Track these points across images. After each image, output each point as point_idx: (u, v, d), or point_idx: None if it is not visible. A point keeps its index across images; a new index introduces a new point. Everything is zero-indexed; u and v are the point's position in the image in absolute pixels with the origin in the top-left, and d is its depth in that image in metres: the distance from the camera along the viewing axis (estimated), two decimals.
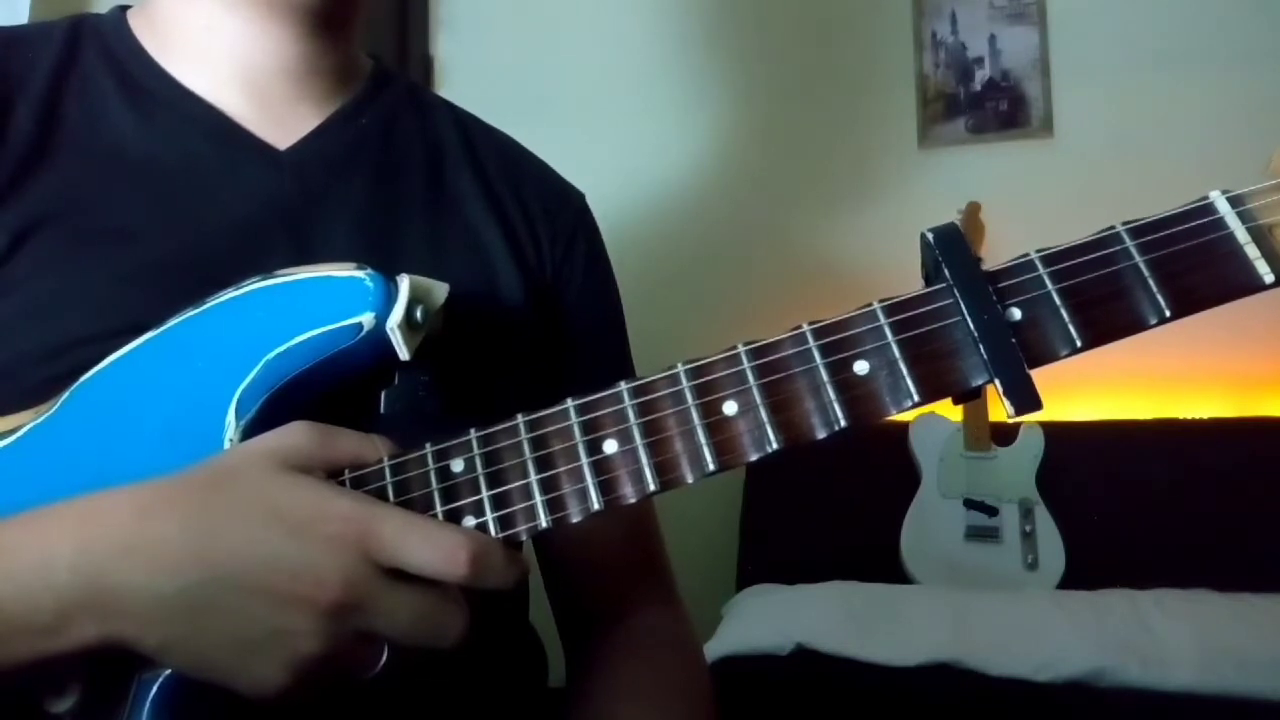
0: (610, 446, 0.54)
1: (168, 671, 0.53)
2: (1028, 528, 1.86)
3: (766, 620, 1.59)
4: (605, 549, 0.88)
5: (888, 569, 1.86)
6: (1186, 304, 0.50)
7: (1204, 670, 1.36)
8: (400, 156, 0.83)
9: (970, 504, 1.90)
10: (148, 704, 0.52)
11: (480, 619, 0.55)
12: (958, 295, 0.51)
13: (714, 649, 1.50)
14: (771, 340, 0.53)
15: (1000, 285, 0.51)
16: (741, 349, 0.54)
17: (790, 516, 2.03)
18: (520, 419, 0.56)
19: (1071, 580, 1.80)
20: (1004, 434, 1.98)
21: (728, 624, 1.65)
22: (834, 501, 2.00)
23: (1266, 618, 1.50)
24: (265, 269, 0.63)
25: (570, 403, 0.55)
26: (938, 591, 1.74)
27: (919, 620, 1.55)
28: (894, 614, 1.58)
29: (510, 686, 0.81)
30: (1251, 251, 0.50)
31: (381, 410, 0.64)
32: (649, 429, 0.53)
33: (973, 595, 1.66)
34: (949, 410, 2.00)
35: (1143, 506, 1.87)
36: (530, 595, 0.86)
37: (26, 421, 0.61)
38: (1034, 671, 1.40)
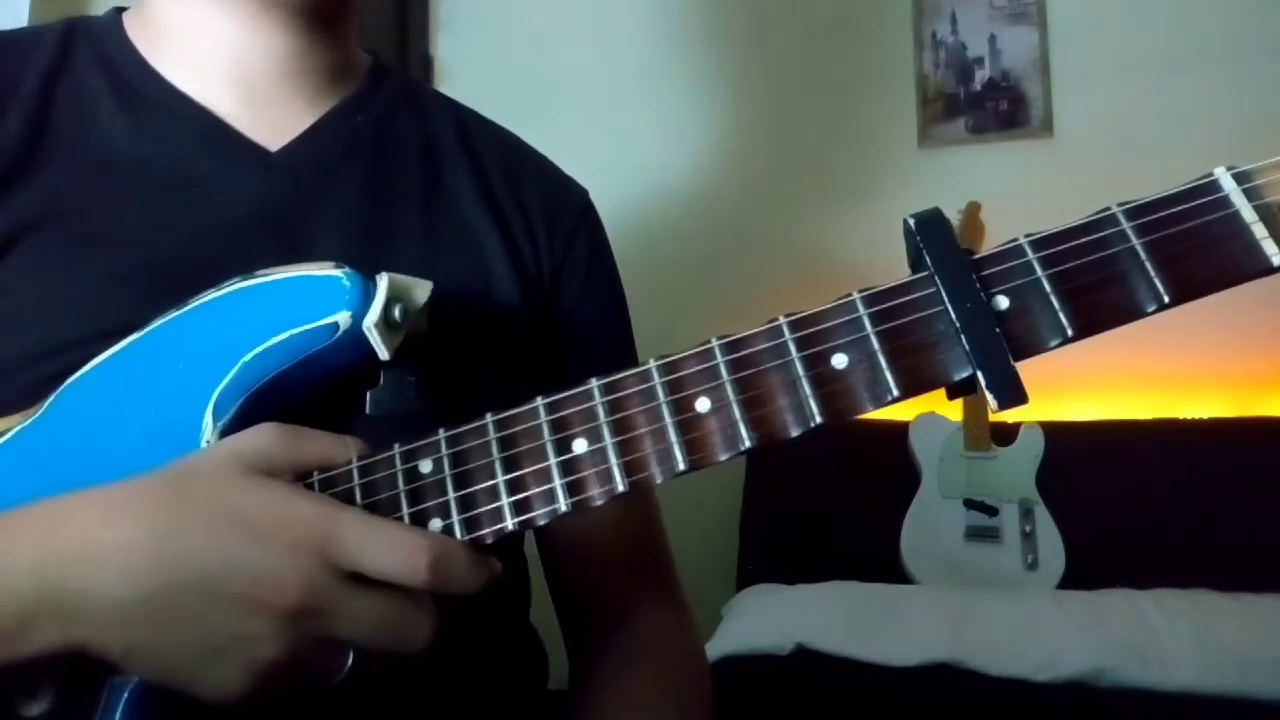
0: (580, 446, 0.52)
1: None
2: (1028, 528, 1.86)
3: (766, 620, 1.59)
4: (608, 549, 0.87)
5: (888, 569, 1.86)
6: (1187, 289, 0.46)
7: (1204, 670, 1.36)
8: (395, 155, 0.82)
9: (970, 504, 1.90)
10: (120, 708, 0.52)
11: (479, 620, 0.54)
12: (939, 284, 0.49)
13: (714, 649, 1.50)
14: (746, 334, 0.51)
15: (985, 273, 0.49)
16: (715, 344, 0.52)
17: (790, 516, 2.03)
18: (489, 418, 0.54)
19: (1071, 580, 1.80)
20: (1004, 434, 1.99)
21: (728, 624, 1.65)
22: (834, 501, 2.01)
23: (1266, 618, 1.50)
24: (255, 271, 0.63)
25: (539, 401, 0.54)
26: (938, 591, 1.74)
27: (919, 620, 1.55)
28: (894, 614, 1.58)
29: (509, 687, 0.81)
30: (1259, 231, 0.46)
31: (367, 410, 0.63)
32: (618, 427, 0.52)
33: (973, 595, 1.66)
34: (949, 410, 2.01)
35: (1143, 506, 1.88)
36: (530, 595, 0.86)
37: (14, 424, 0.61)
38: (1034, 671, 1.40)
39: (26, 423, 0.61)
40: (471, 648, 0.61)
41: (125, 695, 0.52)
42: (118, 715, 0.52)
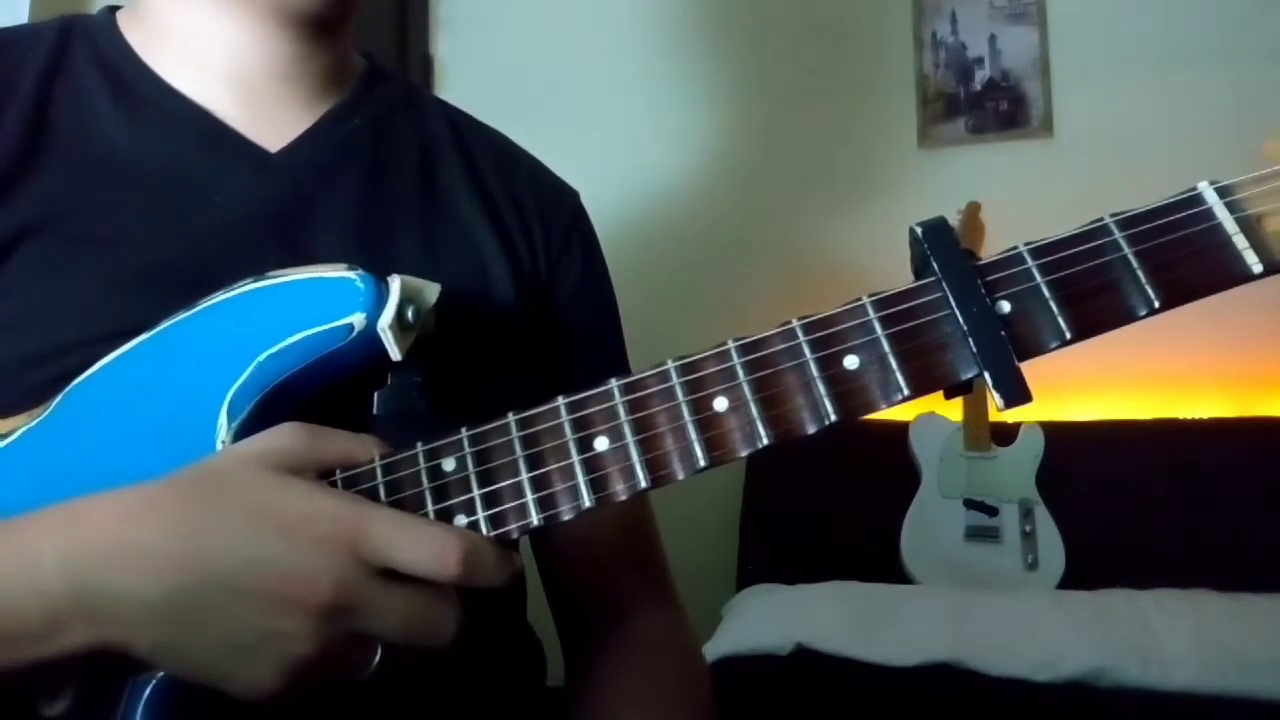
0: (601, 444, 0.54)
1: (161, 673, 0.52)
2: (1028, 528, 1.86)
3: (766, 620, 1.59)
4: (603, 550, 0.87)
5: (888, 569, 1.86)
6: (1175, 295, 0.50)
7: (1204, 670, 1.36)
8: (392, 156, 0.83)
9: (970, 504, 1.91)
10: (141, 706, 0.52)
11: (477, 618, 0.55)
12: (946, 288, 0.51)
13: (714, 649, 1.50)
14: (761, 336, 0.53)
15: (989, 278, 0.52)
16: (731, 345, 0.53)
17: (790, 516, 2.03)
18: (511, 417, 0.55)
19: (1071, 580, 1.80)
20: (1004, 434, 1.98)
21: (728, 624, 1.65)
22: (834, 501, 2.01)
23: (1266, 618, 1.50)
24: (256, 271, 0.63)
25: (561, 400, 0.55)
26: (938, 591, 1.75)
27: (919, 620, 1.55)
28: (894, 614, 1.58)
29: (507, 686, 0.81)
30: (1240, 242, 0.50)
31: (375, 411, 0.64)
32: (640, 425, 0.53)
33: (973, 595, 1.66)
34: (949, 410, 2.01)
35: (1143, 506, 1.88)
36: (528, 595, 0.86)
37: (20, 425, 0.61)
38: (1034, 671, 1.40)
39: (32, 424, 0.61)
40: (469, 646, 0.61)
41: (146, 693, 0.52)
42: (138, 714, 0.52)
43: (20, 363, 0.64)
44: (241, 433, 0.59)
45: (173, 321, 0.62)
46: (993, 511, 1.89)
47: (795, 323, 0.53)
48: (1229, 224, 0.50)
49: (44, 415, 0.61)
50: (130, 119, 0.75)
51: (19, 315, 0.66)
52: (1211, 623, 1.48)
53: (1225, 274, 0.50)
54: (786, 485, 2.02)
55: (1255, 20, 2.15)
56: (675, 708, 0.81)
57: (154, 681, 0.52)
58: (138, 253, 0.70)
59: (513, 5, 2.60)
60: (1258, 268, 0.49)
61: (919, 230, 0.53)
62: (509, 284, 0.81)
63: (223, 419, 0.59)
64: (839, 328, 0.53)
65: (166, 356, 0.61)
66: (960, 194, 2.14)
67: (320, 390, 0.63)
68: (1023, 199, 2.13)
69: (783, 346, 0.53)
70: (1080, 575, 1.80)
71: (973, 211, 2.10)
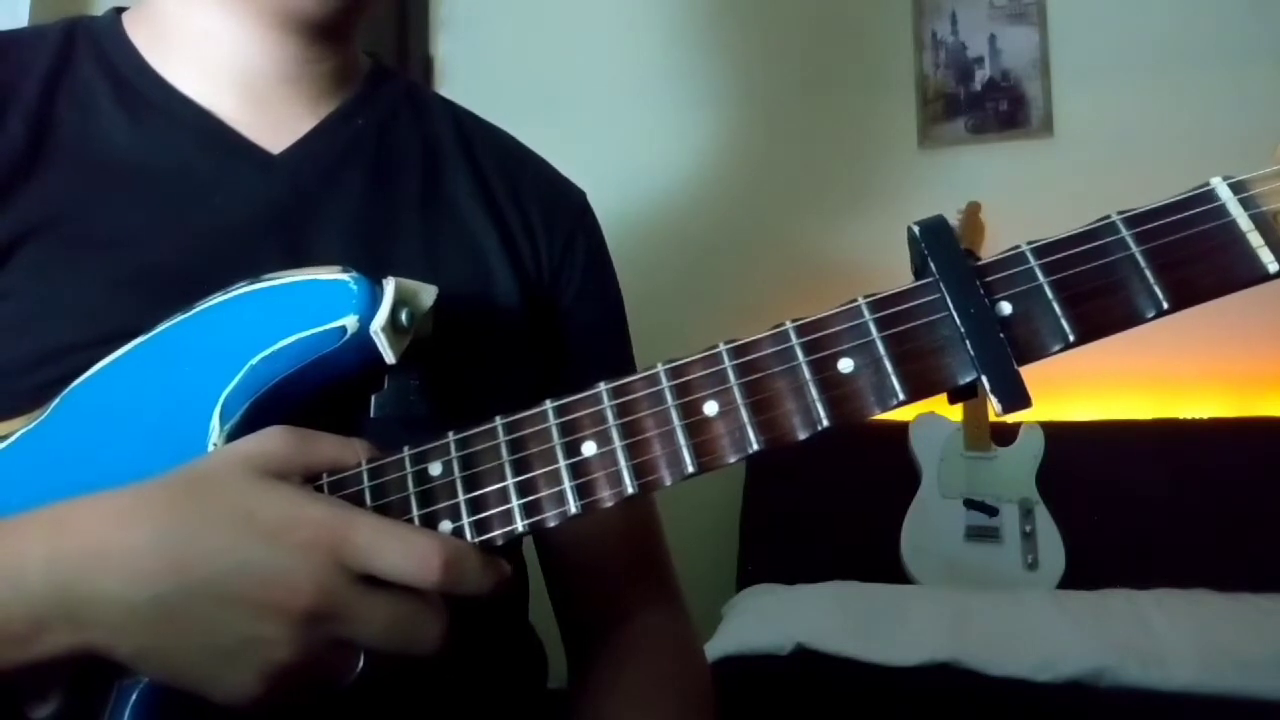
0: (589, 448, 0.53)
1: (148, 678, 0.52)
2: (1028, 528, 1.86)
3: (766, 620, 1.59)
4: (606, 551, 0.87)
5: (888, 569, 1.86)
6: (1185, 296, 0.48)
7: (1204, 670, 1.36)
8: (396, 158, 0.82)
9: (970, 504, 1.90)
10: (128, 710, 0.52)
11: (478, 619, 0.54)
12: (944, 289, 0.50)
13: (714, 649, 1.50)
14: (753, 339, 0.52)
15: (989, 278, 0.50)
16: (723, 348, 0.52)
17: (790, 516, 2.03)
18: (499, 421, 0.55)
19: (1071, 580, 1.80)
20: (1004, 434, 1.98)
21: (728, 624, 1.65)
22: (834, 501, 2.00)
23: (1266, 618, 1.50)
24: (257, 273, 0.62)
25: (549, 404, 0.54)
26: (938, 591, 1.74)
27: (919, 620, 1.55)
28: (894, 614, 1.58)
29: (509, 687, 0.81)
30: (1254, 240, 0.47)
31: (372, 414, 0.63)
32: (628, 430, 0.52)
33: (973, 595, 1.66)
34: (949, 410, 2.01)
35: (1143, 506, 1.87)
36: (530, 595, 0.86)
37: (18, 428, 0.61)
38: (1034, 671, 1.39)
39: (30, 426, 0.61)
40: (470, 647, 0.61)
41: (133, 697, 0.52)
42: (125, 717, 0.52)
43: (22, 365, 0.64)
44: (234, 436, 0.58)
45: (169, 324, 0.62)
46: (993, 511, 1.89)
47: (788, 324, 0.52)
48: (1243, 221, 0.48)
49: (42, 418, 0.61)
50: (133, 121, 0.75)
51: (21, 317, 0.66)
52: (1211, 623, 1.48)
53: (1238, 274, 0.48)
54: (786, 485, 2.02)
55: (1255, 20, 2.14)
56: (676, 706, 0.81)
57: (141, 685, 0.52)
58: (139, 255, 0.69)
59: (513, 5, 2.60)
60: (1273, 266, 0.47)
61: (916, 229, 0.52)
62: (512, 285, 0.81)
63: (215, 422, 0.59)
64: (833, 330, 0.51)
65: (162, 359, 0.61)
66: (960, 194, 2.13)
67: (317, 393, 0.62)
68: (1023, 199, 2.13)
69: (775, 349, 0.52)
70: (1080, 575, 1.80)
71: (973, 212, 2.10)
